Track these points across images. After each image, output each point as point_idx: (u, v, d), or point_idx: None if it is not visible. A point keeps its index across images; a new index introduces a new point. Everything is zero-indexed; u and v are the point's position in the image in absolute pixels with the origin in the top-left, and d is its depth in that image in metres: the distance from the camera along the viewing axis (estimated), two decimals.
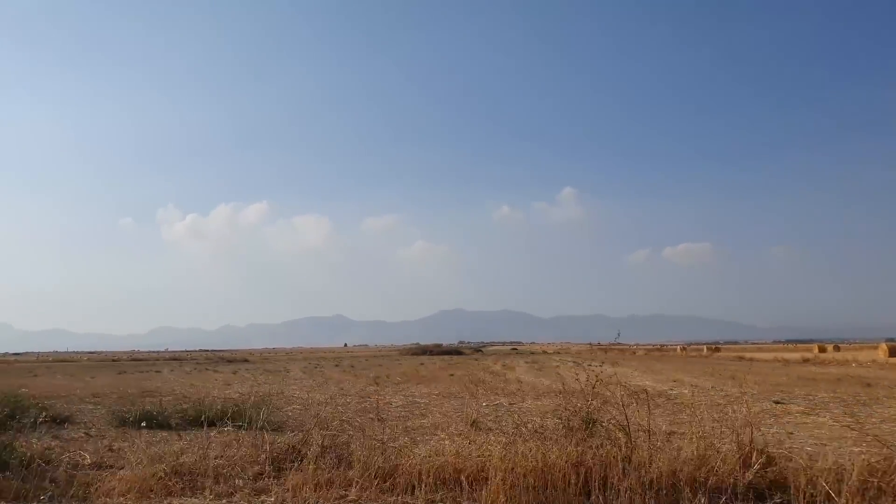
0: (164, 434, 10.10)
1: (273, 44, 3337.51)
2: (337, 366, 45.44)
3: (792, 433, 10.28)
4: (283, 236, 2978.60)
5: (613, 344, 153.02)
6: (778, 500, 5.58)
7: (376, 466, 6.54)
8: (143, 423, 10.43)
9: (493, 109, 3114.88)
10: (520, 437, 7.03)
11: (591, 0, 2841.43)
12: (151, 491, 6.28)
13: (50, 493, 6.19)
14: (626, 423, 6.73)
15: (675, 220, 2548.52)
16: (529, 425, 8.41)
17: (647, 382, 23.17)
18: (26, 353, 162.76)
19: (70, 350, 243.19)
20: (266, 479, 6.73)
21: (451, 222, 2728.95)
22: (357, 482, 6.29)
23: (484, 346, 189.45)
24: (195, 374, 35.80)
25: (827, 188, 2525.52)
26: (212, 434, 9.05)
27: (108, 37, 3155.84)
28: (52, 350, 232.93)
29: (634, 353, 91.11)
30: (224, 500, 6.12)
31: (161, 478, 6.49)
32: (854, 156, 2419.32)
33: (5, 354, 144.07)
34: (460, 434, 8.85)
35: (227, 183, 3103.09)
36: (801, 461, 6.09)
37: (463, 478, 6.10)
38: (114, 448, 8.91)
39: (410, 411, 14.01)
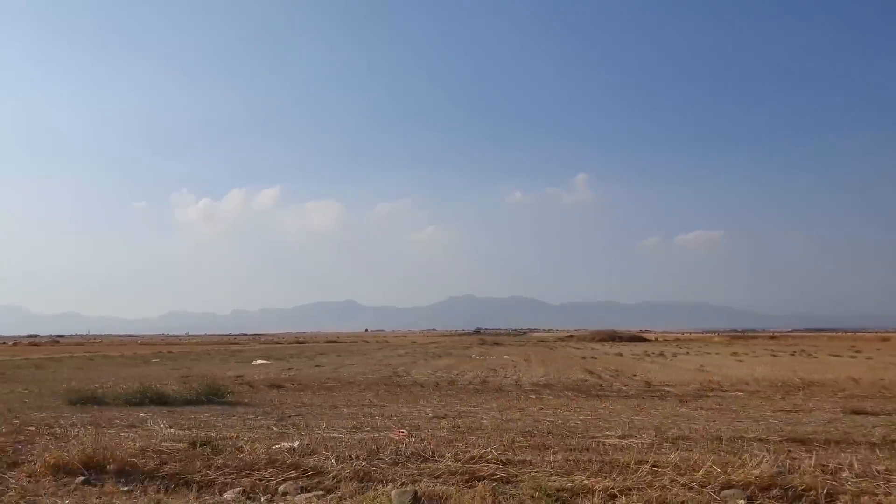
0: None
1: (286, 29, 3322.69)
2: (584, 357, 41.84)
3: None
4: (296, 221, 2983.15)
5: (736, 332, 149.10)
6: None
7: None
8: None
9: (507, 95, 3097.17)
10: None
11: None
12: None
13: None
14: None
15: (688, 207, 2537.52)
16: None
17: None
18: (71, 336, 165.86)
19: (90, 333, 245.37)
20: None
21: (463, 207, 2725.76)
22: None
23: (523, 333, 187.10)
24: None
25: (843, 174, 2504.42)
26: None
27: (121, 24, 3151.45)
28: (69, 333, 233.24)
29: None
30: None
31: None
32: (872, 142, 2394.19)
33: (37, 337, 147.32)
34: None
35: (240, 168, 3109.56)
36: None
37: None
38: None
39: None
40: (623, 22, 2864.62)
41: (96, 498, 5.47)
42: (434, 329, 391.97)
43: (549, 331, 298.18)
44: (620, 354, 46.44)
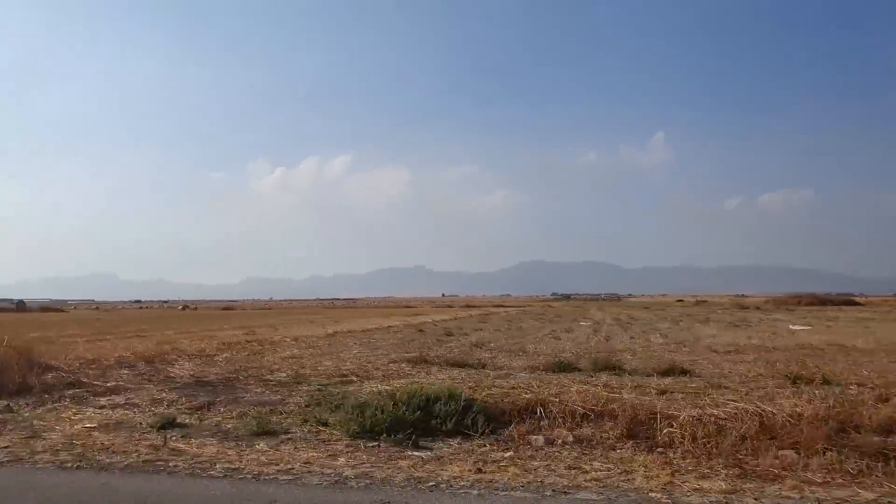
0: None
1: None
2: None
3: None
4: (367, 188, 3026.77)
5: None
6: None
7: None
8: None
9: (580, 48, 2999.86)
10: None
11: None
12: None
13: None
14: None
15: (774, 165, 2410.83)
16: None
17: None
18: (169, 301, 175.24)
19: (181, 299, 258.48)
20: None
21: (533, 170, 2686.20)
22: None
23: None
24: None
25: None
26: None
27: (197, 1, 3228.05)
28: (155, 300, 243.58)
29: None
30: None
31: None
32: None
33: (151, 302, 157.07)
34: None
35: (314, 137, 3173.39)
36: None
37: None
38: None
39: None
40: None
41: None
42: (508, 295, 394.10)
43: (630, 296, 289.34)
44: None
